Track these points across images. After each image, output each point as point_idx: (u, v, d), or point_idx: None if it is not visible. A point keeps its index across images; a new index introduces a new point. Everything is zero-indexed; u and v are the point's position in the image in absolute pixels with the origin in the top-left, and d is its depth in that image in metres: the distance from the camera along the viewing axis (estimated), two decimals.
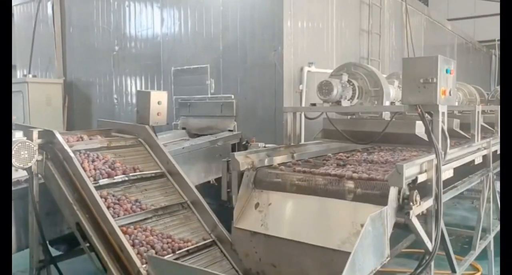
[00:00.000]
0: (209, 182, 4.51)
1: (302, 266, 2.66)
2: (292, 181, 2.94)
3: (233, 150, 4.83)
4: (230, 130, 5.03)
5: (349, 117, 4.01)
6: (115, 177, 3.31)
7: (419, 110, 2.86)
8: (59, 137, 3.22)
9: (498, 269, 4.76)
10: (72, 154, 3.16)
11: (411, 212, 2.53)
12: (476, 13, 14.21)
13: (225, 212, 3.40)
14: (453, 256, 3.23)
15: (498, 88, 6.81)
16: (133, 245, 2.93)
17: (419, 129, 3.21)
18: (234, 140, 4.90)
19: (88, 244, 3.01)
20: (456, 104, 4.82)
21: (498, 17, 13.37)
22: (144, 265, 2.76)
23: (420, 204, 2.62)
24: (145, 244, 2.98)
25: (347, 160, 3.35)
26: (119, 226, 2.94)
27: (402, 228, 2.75)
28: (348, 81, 3.48)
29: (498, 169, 4.76)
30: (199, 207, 3.45)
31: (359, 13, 6.36)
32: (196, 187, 3.94)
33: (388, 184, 2.50)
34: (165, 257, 2.90)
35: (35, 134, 3.11)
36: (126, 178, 3.38)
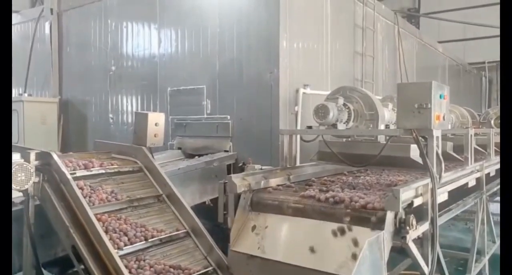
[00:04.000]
0: (204, 203, 4.49)
1: None
2: (288, 204, 2.94)
3: (229, 170, 4.83)
4: (225, 151, 5.04)
5: (344, 139, 4.09)
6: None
7: (414, 134, 2.90)
8: (56, 159, 3.21)
9: None
10: (69, 176, 3.14)
11: (407, 236, 2.55)
12: (466, 36, 14.51)
13: (220, 234, 3.41)
14: None
15: (490, 110, 6.92)
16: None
17: (414, 152, 3.25)
18: (230, 161, 4.91)
19: (83, 267, 2.97)
20: (449, 127, 4.89)
21: (488, 40, 13.68)
22: None
23: (416, 228, 2.64)
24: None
25: (330, 185, 3.29)
26: (120, 256, 2.94)
27: (398, 252, 2.77)
28: (344, 105, 3.54)
29: (491, 191, 4.82)
30: (198, 234, 3.45)
31: (353, 36, 6.47)
32: (192, 208, 3.87)
33: (385, 209, 2.52)
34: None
35: (32, 156, 3.10)
36: (125, 205, 3.40)
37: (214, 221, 3.35)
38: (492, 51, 13.01)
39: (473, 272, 4.06)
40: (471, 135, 3.96)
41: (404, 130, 2.98)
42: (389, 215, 2.52)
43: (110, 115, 6.70)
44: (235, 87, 5.14)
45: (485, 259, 4.48)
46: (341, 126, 3.40)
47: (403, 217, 2.61)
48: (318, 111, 3.34)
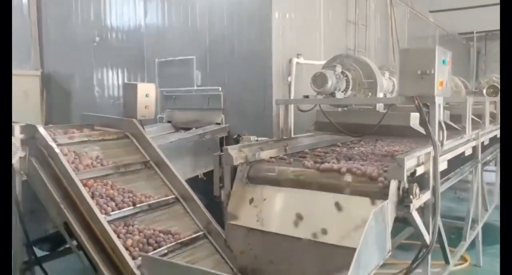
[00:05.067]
0: (197, 176, 4.42)
1: (301, 262, 2.61)
2: (287, 175, 2.87)
3: (221, 143, 4.74)
4: (217, 123, 4.94)
5: (339, 109, 4.01)
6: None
7: (416, 101, 2.83)
8: (42, 131, 3.06)
9: (487, 258, 4.85)
10: (57, 150, 3.01)
11: (411, 205, 2.51)
12: (457, 5, 14.36)
13: (213, 208, 3.37)
14: (447, 248, 3.24)
15: (481, 80, 6.89)
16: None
17: (414, 121, 3.21)
18: (222, 134, 4.82)
19: (75, 243, 2.91)
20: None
21: (478, 10, 13.56)
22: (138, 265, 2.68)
23: (419, 197, 2.60)
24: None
25: (325, 156, 3.21)
26: (108, 222, 2.87)
27: (400, 222, 2.73)
28: (342, 73, 3.43)
29: (486, 159, 4.83)
30: (187, 199, 3.40)
31: (346, 4, 6.31)
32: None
33: (388, 178, 2.46)
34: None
35: (17, 129, 2.94)
36: (112, 171, 3.32)
37: (208, 195, 3.30)
38: (481, 21, 12.92)
39: (468, 240, 4.07)
40: (469, 104, 3.90)
41: (406, 97, 2.90)
42: (393, 185, 2.47)
43: (96, 89, 6.48)
44: (227, 57, 4.99)
45: (479, 227, 4.51)
46: (339, 95, 3.31)
47: (406, 186, 2.56)
48: (316, 79, 3.24)
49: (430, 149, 2.82)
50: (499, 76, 6.17)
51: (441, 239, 3.12)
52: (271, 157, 3.18)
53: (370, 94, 3.42)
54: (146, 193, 3.27)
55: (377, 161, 2.98)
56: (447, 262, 3.35)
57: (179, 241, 3.03)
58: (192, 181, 4.27)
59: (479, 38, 14.77)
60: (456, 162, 3.90)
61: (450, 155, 3.36)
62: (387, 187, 2.47)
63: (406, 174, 2.44)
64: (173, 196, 3.37)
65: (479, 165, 4.38)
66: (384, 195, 2.46)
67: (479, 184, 4.49)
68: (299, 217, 2.66)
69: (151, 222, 3.11)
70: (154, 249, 2.87)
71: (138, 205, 3.10)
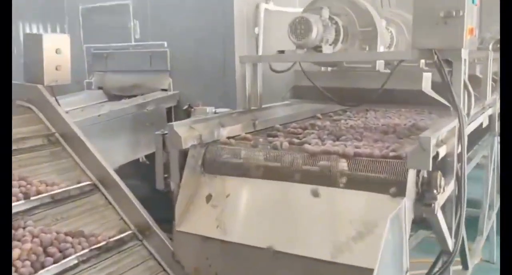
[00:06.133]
0: (138, 160, 4.16)
1: None
2: (258, 161, 2.45)
3: (169, 117, 4.42)
4: (163, 90, 4.62)
5: (323, 68, 3.62)
6: None
7: (436, 56, 2.40)
8: None
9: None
10: None
11: (435, 203, 2.09)
12: None
13: (163, 203, 2.89)
14: (467, 251, 2.89)
15: (486, 35, 6.61)
16: None
17: (426, 83, 2.79)
18: (170, 103, 4.47)
19: None
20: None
21: None
22: None
23: (444, 190, 2.19)
24: None
25: (303, 134, 2.82)
26: None
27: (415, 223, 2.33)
28: (330, 19, 2.93)
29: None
30: (110, 186, 3.00)
31: None
32: (121, 167, 3.65)
33: (407, 166, 2.03)
34: None
35: None
36: None
37: (153, 183, 2.93)
38: None
39: (485, 234, 3.75)
40: (491, 60, 3.51)
41: (420, 51, 2.46)
42: (411, 175, 2.04)
43: None
44: (174, 2, 4.59)
45: (493, 215, 4.21)
46: (327, 49, 2.83)
47: (425, 176, 2.12)
48: (296, 27, 2.75)
49: (452, 122, 2.41)
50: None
51: (462, 240, 2.75)
52: (234, 136, 2.76)
53: (367, 47, 2.95)
54: (48, 179, 2.76)
55: (376, 141, 2.57)
56: (465, 267, 3.00)
57: (97, 245, 2.57)
58: (133, 166, 4.06)
59: None
60: (471, 137, 3.63)
61: (470, 128, 2.99)
62: (403, 178, 2.03)
63: (431, 160, 2.00)
64: (89, 182, 2.91)
65: (496, 139, 4.03)
66: (399, 190, 2.02)
67: (496, 162, 4.15)
68: (275, 221, 2.27)
69: (53, 221, 2.62)
70: (57, 260, 2.35)
71: (33, 198, 2.57)
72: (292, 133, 2.92)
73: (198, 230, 2.41)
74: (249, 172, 2.45)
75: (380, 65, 2.98)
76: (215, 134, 2.67)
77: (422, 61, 3.24)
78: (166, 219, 2.97)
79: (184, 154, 2.59)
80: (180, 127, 2.52)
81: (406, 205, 2.00)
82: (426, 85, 2.77)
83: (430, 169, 2.03)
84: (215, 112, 3.03)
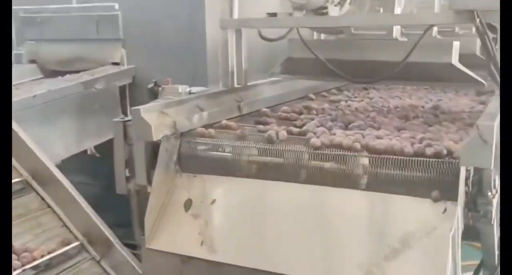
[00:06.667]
0: (85, 152, 3.85)
1: None
2: (251, 157, 2.14)
3: (123, 97, 4.05)
4: (114, 64, 4.24)
5: (323, 36, 3.39)
6: None
7: (478, 20, 2.08)
8: None
9: None
10: None
11: (492, 211, 1.81)
12: None
13: (116, 203, 2.72)
14: None
15: None
16: None
17: (456, 55, 2.48)
18: (124, 80, 4.10)
19: None
20: None
21: None
22: None
23: (497, 191, 1.92)
24: None
25: (299, 120, 2.51)
26: None
27: None
28: None
29: None
30: (46, 181, 2.75)
31: None
32: (65, 161, 3.43)
33: (461, 163, 1.73)
34: None
35: None
36: None
37: (104, 180, 3.05)
38: None
39: None
40: None
41: (457, 13, 2.13)
42: (463, 175, 1.75)
43: None
44: None
45: None
46: (333, 11, 2.48)
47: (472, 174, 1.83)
48: None
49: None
50: None
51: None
52: (213, 124, 2.43)
53: (381, 10, 2.63)
54: None
55: (399, 129, 2.25)
56: None
57: (32, 264, 2.33)
58: (78, 160, 3.79)
59: None
60: None
61: None
62: (451, 177, 1.75)
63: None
64: (19, 178, 2.68)
65: None
66: (446, 194, 1.75)
67: None
68: (279, 235, 2.00)
69: None
70: None
71: None
72: (285, 118, 2.60)
73: (176, 248, 2.11)
74: (239, 171, 2.13)
75: (397, 31, 2.64)
76: (193, 121, 2.31)
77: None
78: (123, 225, 2.82)
79: (153, 147, 2.27)
80: (148, 112, 2.16)
81: (459, 213, 1.72)
82: (455, 57, 2.49)
83: (492, 166, 1.72)
84: (190, 92, 2.68)
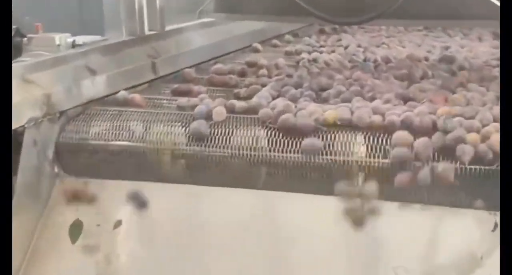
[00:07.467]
0: None
1: None
2: (176, 146, 1.60)
3: None
4: None
5: None
6: None
7: None
8: None
9: None
10: None
11: None
12: None
13: None
14: None
15: None
16: None
17: None
18: None
19: None
20: None
21: None
22: None
23: None
24: None
25: (249, 91, 1.90)
26: None
27: None
28: None
29: None
30: None
31: None
32: None
33: None
34: None
35: None
36: None
37: None
38: None
39: None
40: None
41: None
42: None
43: None
44: None
45: None
46: None
47: None
48: None
49: None
50: None
51: None
52: (109, 95, 1.89)
53: None
54: None
55: (403, 97, 1.66)
56: None
57: None
58: None
59: None
60: None
61: None
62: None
63: None
64: None
65: None
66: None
67: None
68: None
69: None
70: None
71: None
72: (218, 84, 2.00)
73: None
74: (159, 171, 1.56)
75: None
76: (80, 92, 1.71)
77: None
78: None
79: (14, 137, 1.56)
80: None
81: None
82: None
83: None
84: (74, 45, 1.99)
